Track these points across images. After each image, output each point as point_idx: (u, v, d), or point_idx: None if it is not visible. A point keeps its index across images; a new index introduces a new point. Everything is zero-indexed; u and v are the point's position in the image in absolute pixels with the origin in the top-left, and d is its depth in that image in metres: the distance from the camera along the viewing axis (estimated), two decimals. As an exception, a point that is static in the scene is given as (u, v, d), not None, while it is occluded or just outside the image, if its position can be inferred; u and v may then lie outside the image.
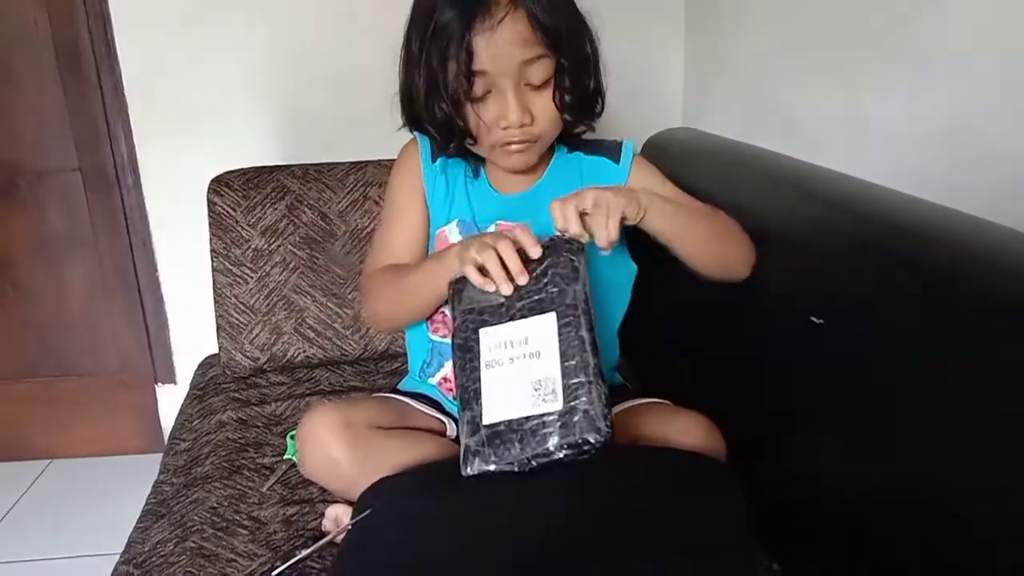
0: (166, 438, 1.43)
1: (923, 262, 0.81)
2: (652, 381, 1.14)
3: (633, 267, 1.13)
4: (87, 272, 2.02)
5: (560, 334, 0.84)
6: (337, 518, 0.99)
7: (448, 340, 1.06)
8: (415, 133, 1.11)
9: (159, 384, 2.12)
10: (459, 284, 0.93)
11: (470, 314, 0.90)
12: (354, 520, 0.86)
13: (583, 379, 0.81)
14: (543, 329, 0.86)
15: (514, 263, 0.88)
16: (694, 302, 1.19)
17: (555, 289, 0.87)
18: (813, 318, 0.91)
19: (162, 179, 1.93)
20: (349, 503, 0.99)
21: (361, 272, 1.47)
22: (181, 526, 1.06)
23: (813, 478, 0.94)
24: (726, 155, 1.34)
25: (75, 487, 2.02)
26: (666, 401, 1.06)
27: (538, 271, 0.89)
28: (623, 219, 0.91)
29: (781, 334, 1.01)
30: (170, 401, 2.09)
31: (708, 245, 1.02)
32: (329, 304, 1.47)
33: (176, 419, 1.42)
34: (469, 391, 0.87)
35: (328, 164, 1.52)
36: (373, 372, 1.49)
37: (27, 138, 1.92)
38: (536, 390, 0.83)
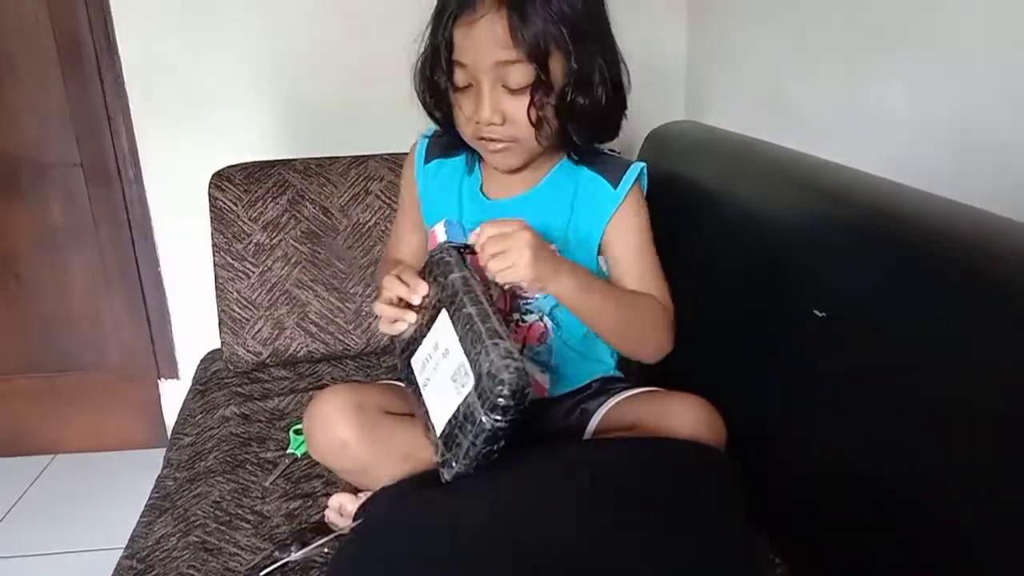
0: (169, 433, 1.43)
1: (927, 255, 0.81)
2: (654, 373, 1.14)
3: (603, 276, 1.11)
4: (89, 266, 2.02)
5: (453, 323, 0.86)
6: (341, 507, 0.99)
7: None
8: (420, 133, 1.14)
9: (162, 379, 2.12)
10: (391, 342, 0.97)
11: (402, 354, 0.95)
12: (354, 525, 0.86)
13: (479, 348, 0.82)
14: (443, 328, 0.88)
15: (402, 288, 0.93)
16: (696, 295, 1.18)
17: (439, 291, 0.90)
18: (816, 311, 0.91)
19: (163, 173, 1.93)
20: (354, 491, 0.99)
21: (365, 266, 1.48)
22: (184, 520, 1.06)
23: (814, 467, 0.94)
24: (729, 148, 1.34)
25: (78, 482, 2.02)
26: (662, 389, 1.06)
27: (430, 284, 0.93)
28: (516, 284, 0.93)
29: (784, 327, 1.00)
30: (173, 396, 2.09)
31: (610, 334, 1.03)
32: (331, 298, 1.47)
33: (179, 414, 1.42)
34: (424, 417, 0.89)
35: (329, 158, 1.52)
36: (375, 366, 1.49)
37: (28, 132, 1.92)
38: (454, 381, 0.85)
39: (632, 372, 1.17)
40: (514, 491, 0.82)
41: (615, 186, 1.06)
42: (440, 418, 0.86)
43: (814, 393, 0.94)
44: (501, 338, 0.82)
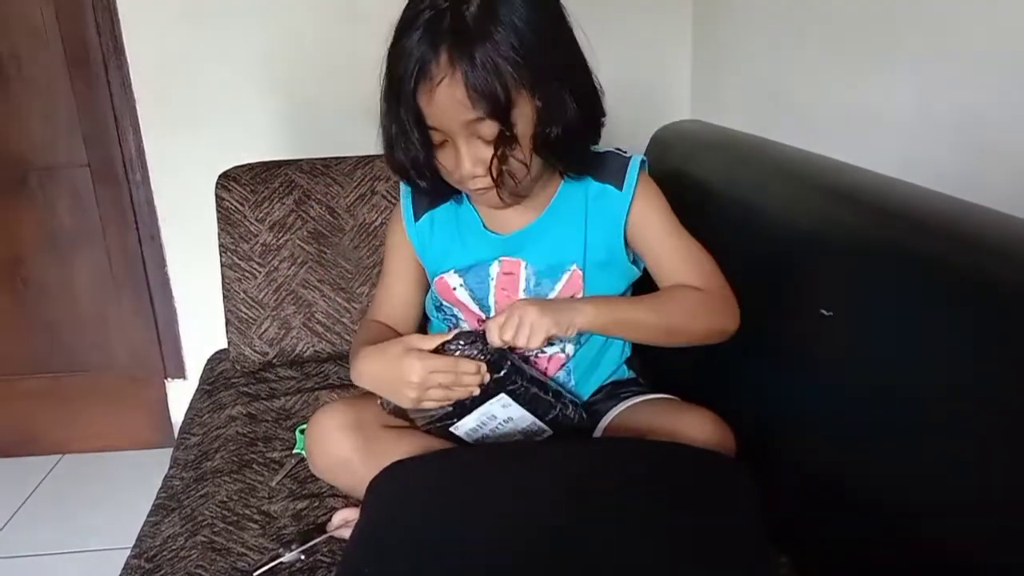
0: (176, 433, 1.43)
1: (934, 253, 0.81)
2: (660, 374, 1.14)
3: (635, 272, 1.10)
4: (96, 267, 2.03)
5: (518, 400, 0.94)
6: (345, 521, 0.99)
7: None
8: (400, 190, 1.12)
9: (169, 379, 2.13)
10: (402, 413, 0.97)
11: (432, 425, 0.98)
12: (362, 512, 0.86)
13: (558, 409, 0.97)
14: (502, 405, 0.94)
15: (463, 389, 0.93)
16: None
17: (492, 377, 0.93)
18: (823, 310, 0.91)
19: (170, 174, 1.94)
20: (358, 504, 0.99)
21: (371, 266, 1.48)
22: (191, 520, 1.07)
23: (822, 473, 0.94)
24: (734, 147, 1.34)
25: (86, 482, 2.03)
26: (675, 397, 1.06)
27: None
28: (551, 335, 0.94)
29: (790, 325, 1.00)
30: (180, 396, 2.09)
31: (656, 338, 1.02)
32: (337, 298, 1.47)
33: (186, 414, 1.42)
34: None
35: (336, 158, 1.52)
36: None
37: (36, 134, 1.93)
38: (527, 436, 0.99)
39: (636, 371, 1.17)
40: (527, 485, 0.83)
41: (620, 188, 1.05)
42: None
43: (819, 392, 0.94)
44: (565, 393, 0.99)
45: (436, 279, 1.10)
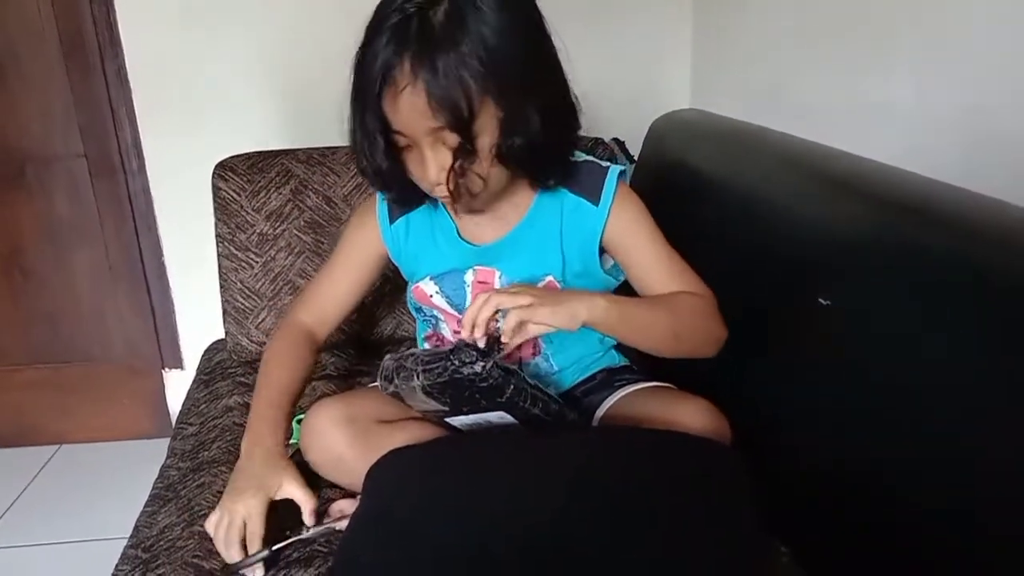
0: (173, 422, 1.43)
1: (935, 243, 0.80)
2: (655, 361, 1.13)
3: (612, 282, 1.08)
4: (93, 258, 2.02)
5: (517, 418, 0.92)
6: (342, 511, 0.99)
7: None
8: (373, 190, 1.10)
9: (166, 369, 2.12)
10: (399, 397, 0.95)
11: (428, 415, 0.98)
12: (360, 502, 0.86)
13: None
14: (499, 416, 0.92)
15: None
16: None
17: (482, 401, 0.90)
18: (821, 299, 0.91)
19: (167, 164, 1.93)
20: (355, 495, 0.99)
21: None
22: (188, 510, 1.07)
23: (821, 463, 0.93)
24: (733, 136, 1.33)
25: (83, 472, 2.03)
26: (670, 385, 1.06)
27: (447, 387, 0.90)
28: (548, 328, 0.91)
29: (789, 315, 1.00)
30: (177, 386, 2.09)
31: (662, 342, 0.99)
32: (335, 288, 1.47)
33: (183, 404, 1.42)
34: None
35: (332, 148, 1.51)
36: (377, 355, 1.48)
37: (33, 125, 1.92)
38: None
39: (634, 359, 1.16)
40: (523, 474, 0.82)
41: (596, 203, 1.02)
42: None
43: (817, 383, 0.94)
44: (552, 400, 0.93)
45: (413, 286, 1.10)
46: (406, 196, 1.03)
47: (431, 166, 0.92)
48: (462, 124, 0.87)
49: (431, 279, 1.07)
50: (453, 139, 0.89)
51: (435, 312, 1.10)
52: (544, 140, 0.92)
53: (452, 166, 0.90)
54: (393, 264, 1.14)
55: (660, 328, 0.98)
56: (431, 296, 1.08)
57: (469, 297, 1.05)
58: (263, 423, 1.01)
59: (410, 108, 0.87)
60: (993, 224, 0.79)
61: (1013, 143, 0.99)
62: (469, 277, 1.05)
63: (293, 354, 1.09)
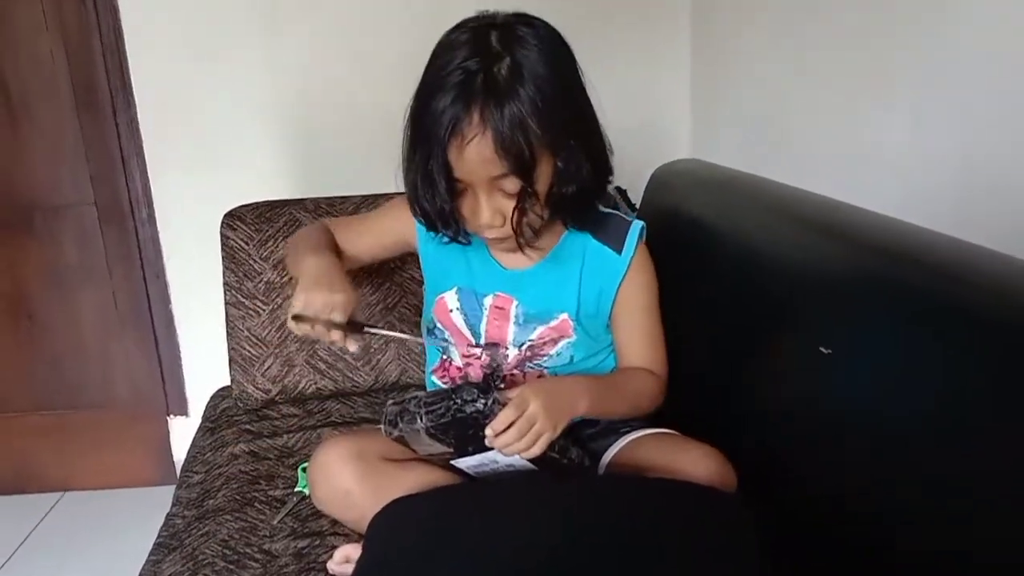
0: (178, 470, 1.43)
1: (932, 292, 0.81)
2: (660, 410, 1.14)
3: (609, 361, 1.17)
4: (101, 304, 2.04)
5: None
6: (347, 557, 0.98)
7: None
8: None
9: (171, 416, 2.13)
10: (404, 442, 0.97)
11: (433, 457, 0.99)
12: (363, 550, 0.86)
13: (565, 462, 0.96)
14: (504, 454, 0.93)
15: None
16: (699, 332, 1.19)
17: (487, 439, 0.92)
18: (822, 348, 0.91)
19: (176, 212, 1.96)
20: (359, 540, 0.99)
21: (375, 304, 1.48)
22: (193, 559, 1.06)
23: (823, 507, 0.93)
24: (732, 186, 1.35)
25: (88, 519, 2.02)
26: (675, 432, 1.06)
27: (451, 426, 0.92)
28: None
29: (789, 363, 1.01)
30: (182, 433, 2.09)
31: (618, 415, 1.10)
32: (340, 336, 1.48)
33: (188, 451, 1.42)
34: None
35: (340, 198, 1.54)
36: (383, 403, 1.49)
37: (44, 173, 1.95)
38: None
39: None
40: (524, 524, 0.83)
41: (619, 251, 1.11)
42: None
43: (822, 432, 0.94)
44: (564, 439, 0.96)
45: (436, 299, 1.14)
46: (457, 234, 1.07)
47: (485, 210, 0.99)
48: (526, 169, 0.94)
49: (456, 291, 1.12)
50: (513, 185, 0.96)
51: (447, 334, 1.14)
52: (591, 186, 1.01)
53: (516, 207, 0.98)
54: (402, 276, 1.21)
55: (623, 409, 1.09)
56: (451, 311, 1.13)
57: (485, 320, 1.11)
58: (319, 252, 1.08)
59: (477, 157, 0.93)
60: (986, 273, 0.80)
61: (1009, 189, 1.00)
62: (488, 301, 1.11)
63: (327, 233, 1.17)
